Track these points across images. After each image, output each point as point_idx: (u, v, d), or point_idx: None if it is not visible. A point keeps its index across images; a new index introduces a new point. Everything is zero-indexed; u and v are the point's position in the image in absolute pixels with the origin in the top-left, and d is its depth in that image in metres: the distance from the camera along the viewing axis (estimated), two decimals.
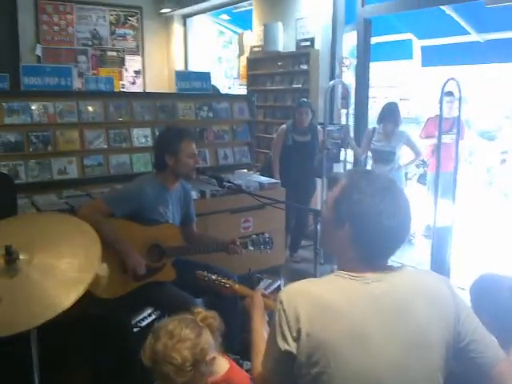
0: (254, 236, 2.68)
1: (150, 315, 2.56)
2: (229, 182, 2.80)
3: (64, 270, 1.53)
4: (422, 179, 4.98)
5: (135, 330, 2.47)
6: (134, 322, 2.48)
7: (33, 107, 3.32)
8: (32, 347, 1.68)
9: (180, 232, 2.69)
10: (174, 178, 2.67)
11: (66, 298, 1.44)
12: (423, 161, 4.93)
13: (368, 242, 1.16)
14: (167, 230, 2.62)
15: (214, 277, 1.98)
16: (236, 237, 2.73)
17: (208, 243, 2.73)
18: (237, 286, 1.88)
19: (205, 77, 4.22)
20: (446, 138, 4.33)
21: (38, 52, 6.28)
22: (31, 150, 3.29)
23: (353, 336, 1.09)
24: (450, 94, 4.45)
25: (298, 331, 1.10)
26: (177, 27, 7.65)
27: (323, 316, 1.10)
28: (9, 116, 3.23)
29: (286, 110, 6.01)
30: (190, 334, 1.55)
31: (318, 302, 1.12)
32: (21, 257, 1.52)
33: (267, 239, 2.66)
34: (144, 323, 2.52)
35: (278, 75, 6.20)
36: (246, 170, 4.26)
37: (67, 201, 3.14)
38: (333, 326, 1.09)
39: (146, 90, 6.81)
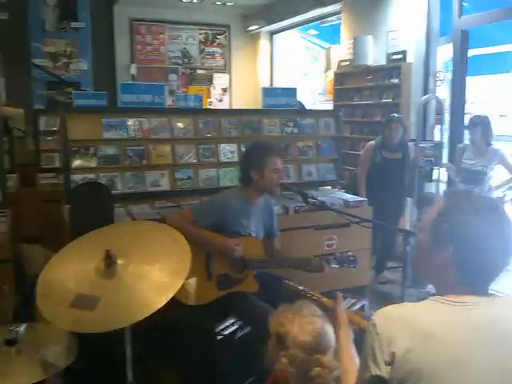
0: (339, 253, 2.74)
1: (232, 324, 2.69)
2: (313, 198, 2.91)
3: (156, 275, 1.72)
4: None
5: (218, 337, 2.62)
6: (217, 330, 2.64)
7: (129, 123, 3.69)
8: (126, 345, 1.90)
9: (262, 245, 2.82)
10: (259, 192, 2.82)
11: (157, 301, 1.62)
12: None
13: (474, 265, 1.15)
14: (250, 242, 2.77)
15: (301, 287, 1.98)
16: (319, 254, 2.82)
17: (291, 258, 2.84)
18: (325, 299, 1.86)
19: (291, 93, 4.40)
20: None
21: (133, 71, 6.87)
22: (127, 163, 3.66)
23: (451, 363, 1.08)
24: None
25: (392, 355, 1.11)
26: (263, 44, 7.98)
27: (419, 341, 1.09)
28: (107, 131, 3.62)
29: (374, 125, 6.01)
30: None
31: (416, 326, 1.12)
32: (118, 261, 1.73)
33: (351, 258, 2.70)
34: (226, 332, 2.66)
35: (367, 90, 6.22)
36: (330, 187, 4.34)
37: (159, 211, 3.44)
38: (430, 351, 1.08)
39: (233, 107, 7.16)
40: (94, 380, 2.46)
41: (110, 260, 1.70)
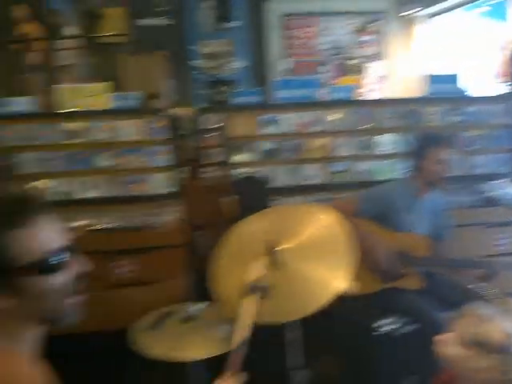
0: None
1: (392, 323, 2.64)
2: (484, 192, 2.73)
3: (326, 267, 1.72)
4: None
5: (374, 334, 2.61)
6: (376, 325, 2.62)
7: (284, 118, 3.81)
8: (291, 329, 1.98)
9: (427, 243, 2.72)
10: (425, 185, 2.73)
11: (326, 294, 1.63)
12: None
13: None
14: (414, 238, 2.70)
15: (484, 286, 1.89)
16: (490, 253, 2.63)
17: (461, 259, 2.68)
18: None
19: (454, 79, 4.15)
20: None
21: (286, 66, 7.06)
22: (283, 157, 3.80)
23: None
24: None
25: None
26: (420, 28, 7.60)
27: None
28: (263, 127, 3.79)
29: None
30: None
31: None
32: (280, 248, 1.75)
33: None
34: (384, 329, 2.62)
35: None
36: (503, 180, 3.99)
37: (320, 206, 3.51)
38: None
39: (388, 97, 6.97)
40: (259, 361, 2.62)
41: (274, 250, 1.74)
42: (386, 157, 3.92)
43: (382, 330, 2.63)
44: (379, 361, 2.64)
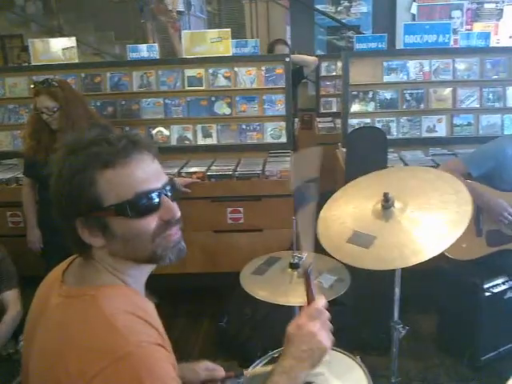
0: None
1: (504, 283, 2.54)
2: None
3: (433, 224, 1.65)
4: None
5: (487, 294, 2.50)
6: (486, 286, 2.51)
7: (410, 65, 3.55)
8: (395, 286, 1.93)
9: None
10: None
11: (431, 250, 1.56)
12: None
13: None
14: None
15: None
16: None
17: None
18: None
19: None
20: None
21: (413, 10, 6.53)
22: (404, 107, 3.57)
23: None
24: None
25: None
26: None
27: None
28: (387, 74, 3.56)
29: None
30: None
31: None
32: (396, 204, 1.72)
33: None
34: (496, 290, 2.53)
35: None
36: None
37: (433, 158, 3.30)
38: None
39: None
40: (362, 312, 2.62)
41: (387, 202, 1.71)
42: None
43: (491, 291, 2.51)
44: (486, 321, 2.52)
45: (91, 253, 0.99)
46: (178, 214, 1.00)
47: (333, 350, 1.67)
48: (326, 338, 1.07)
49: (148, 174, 0.96)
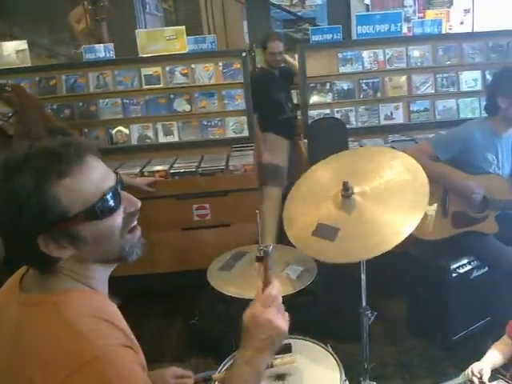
0: None
1: (469, 263, 2.59)
2: None
3: (394, 209, 1.66)
4: None
5: (454, 275, 2.54)
6: (452, 267, 2.55)
7: (364, 55, 3.59)
8: (361, 273, 1.95)
9: (508, 185, 2.55)
10: (507, 123, 2.51)
11: (394, 238, 1.57)
12: None
13: None
14: (494, 180, 2.53)
15: None
16: None
17: None
18: None
19: None
20: None
21: (367, 1, 6.60)
22: (361, 96, 3.60)
23: None
24: None
25: None
26: None
27: None
28: (343, 65, 3.59)
29: None
30: None
31: None
32: (355, 190, 1.71)
33: None
34: (463, 270, 2.57)
35: None
36: None
37: (392, 145, 3.33)
38: None
39: (476, 30, 6.35)
40: (333, 300, 2.64)
41: (347, 191, 1.70)
42: (471, 94, 3.61)
43: (458, 271, 2.55)
44: (453, 301, 2.57)
45: (56, 265, 0.95)
46: (139, 203, 1.00)
47: (304, 339, 1.68)
48: (282, 322, 1.08)
49: (103, 173, 0.95)
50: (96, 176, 0.93)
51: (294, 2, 6.47)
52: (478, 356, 1.83)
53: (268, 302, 1.10)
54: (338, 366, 1.47)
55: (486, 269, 2.57)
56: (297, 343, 1.61)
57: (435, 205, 2.49)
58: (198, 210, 3.08)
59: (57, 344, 0.85)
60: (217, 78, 3.49)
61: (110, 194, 0.94)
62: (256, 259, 1.86)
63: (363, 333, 1.97)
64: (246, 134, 3.53)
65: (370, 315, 1.95)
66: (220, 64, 3.47)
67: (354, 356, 2.19)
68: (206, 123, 3.51)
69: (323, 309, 2.65)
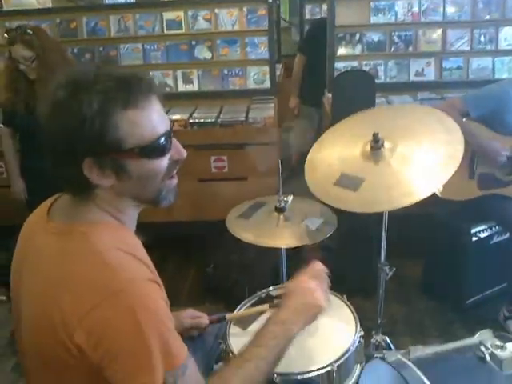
0: None
1: (490, 228, 2.55)
2: None
3: (423, 164, 1.60)
4: None
5: (474, 239, 2.52)
6: (473, 231, 2.52)
7: (398, 5, 3.40)
8: (382, 229, 1.91)
9: None
10: None
11: (421, 191, 1.51)
12: None
13: None
14: None
15: None
16: None
17: None
18: None
19: None
20: None
21: None
22: (392, 49, 3.45)
23: None
24: None
25: None
26: None
27: None
28: (375, 15, 3.43)
29: None
30: None
31: None
32: (385, 145, 1.65)
33: None
34: (483, 235, 2.54)
35: None
36: None
37: (421, 103, 3.23)
38: None
39: None
40: (348, 255, 2.62)
41: (376, 143, 1.64)
42: (510, 53, 3.44)
43: (478, 235, 2.53)
44: (472, 265, 2.55)
45: (92, 192, 0.96)
46: (185, 153, 1.02)
47: None
48: (323, 297, 1.13)
49: (162, 115, 0.97)
50: (155, 117, 0.94)
51: None
52: (490, 321, 1.81)
53: (315, 275, 1.18)
54: (354, 317, 1.45)
55: (507, 235, 2.54)
56: None
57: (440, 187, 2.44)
58: (216, 162, 3.05)
59: (86, 273, 0.87)
60: (240, 24, 3.37)
61: (164, 137, 0.95)
62: (275, 209, 1.83)
63: (379, 289, 1.96)
64: (267, 85, 3.43)
65: (388, 271, 1.92)
66: (244, 9, 3.34)
67: (365, 311, 2.17)
68: (226, 72, 3.42)
69: (339, 262, 2.63)
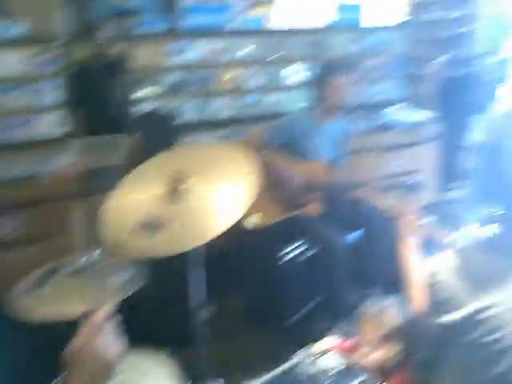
0: (403, 180, 2.63)
1: (298, 247, 2.68)
2: (379, 117, 2.73)
3: (222, 198, 1.63)
4: None
5: (285, 260, 2.61)
6: (283, 252, 2.62)
7: (193, 47, 3.48)
8: (193, 269, 1.86)
9: (330, 169, 2.76)
10: (326, 112, 2.72)
11: (222, 224, 1.53)
12: None
13: None
14: (318, 166, 2.72)
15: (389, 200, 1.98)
16: (385, 175, 2.88)
17: (355, 182, 2.69)
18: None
19: (356, 9, 4.01)
20: None
21: None
22: (192, 89, 3.52)
23: None
24: None
25: None
26: None
27: None
28: (171, 56, 3.46)
29: (442, 42, 5.47)
30: None
31: None
32: (185, 183, 1.63)
33: (413, 184, 2.65)
34: (293, 254, 2.65)
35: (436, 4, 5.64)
36: (399, 105, 4.06)
37: (223, 139, 3.38)
38: None
39: (296, 27, 6.72)
40: (163, 305, 2.52)
41: (176, 183, 1.62)
42: (294, 87, 3.79)
43: (287, 256, 2.62)
44: (286, 285, 2.64)
45: None
46: None
47: (134, 352, 1.54)
48: (112, 350, 0.96)
49: None
50: None
51: None
52: (314, 335, 1.88)
53: (94, 329, 0.96)
54: (174, 372, 1.36)
55: (315, 250, 2.68)
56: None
57: (254, 216, 2.55)
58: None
59: None
60: (27, 67, 3.06)
61: None
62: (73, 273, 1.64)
63: (198, 333, 1.90)
64: (59, 132, 3.16)
65: (207, 311, 1.89)
66: (30, 53, 3.06)
67: (193, 358, 2.11)
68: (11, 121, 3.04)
69: (155, 312, 2.51)
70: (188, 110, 3.53)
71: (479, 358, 1.01)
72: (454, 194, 4.43)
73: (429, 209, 3.36)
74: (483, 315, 1.01)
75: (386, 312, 1.58)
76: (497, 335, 0.99)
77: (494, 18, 4.27)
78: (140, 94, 3.40)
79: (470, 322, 1.02)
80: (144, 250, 1.51)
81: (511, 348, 0.98)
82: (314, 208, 2.68)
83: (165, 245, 1.51)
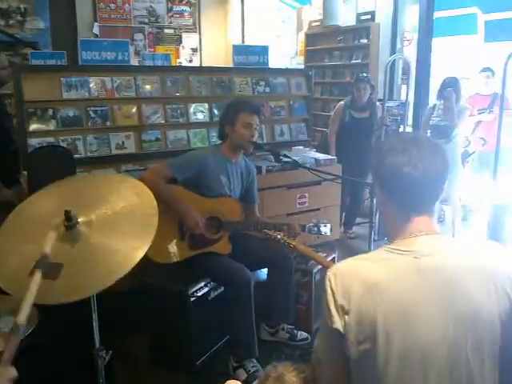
0: (312, 224, 2.65)
1: (206, 285, 2.64)
2: (285, 156, 2.78)
3: (123, 233, 1.52)
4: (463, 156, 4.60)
5: (192, 299, 2.54)
6: (190, 291, 2.54)
7: (91, 82, 3.40)
8: (92, 311, 1.74)
9: (240, 207, 2.73)
10: (234, 149, 2.73)
11: (124, 266, 1.42)
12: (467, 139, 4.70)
13: (399, 194, 1.18)
14: (227, 203, 2.69)
15: (279, 236, 2.26)
16: (292, 212, 2.73)
17: (267, 222, 2.76)
18: (302, 246, 2.11)
19: (262, 51, 4.17)
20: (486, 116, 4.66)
21: (95, 30, 6.43)
22: (90, 124, 3.39)
23: (400, 313, 1.09)
24: (488, 69, 4.70)
25: (345, 310, 1.12)
26: (234, 3, 7.61)
27: (370, 294, 1.10)
28: (67, 91, 3.32)
29: (344, 86, 5.91)
30: None
31: (365, 280, 1.12)
32: (80, 220, 1.49)
33: (325, 225, 2.65)
34: (201, 293, 2.60)
35: (337, 50, 6.11)
36: (302, 147, 4.23)
37: (125, 175, 3.22)
38: (379, 303, 1.09)
39: (201, 65, 6.82)
40: (58, 350, 2.31)
41: (70, 221, 1.46)
42: (199, 125, 3.79)
43: (196, 295, 2.56)
44: (194, 325, 2.55)
45: None
46: None
47: None
48: None
49: None
50: None
51: (10, 23, 5.83)
52: (223, 375, 1.82)
53: None
54: None
55: (222, 289, 2.65)
56: None
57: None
58: None
59: None
60: None
61: None
62: None
63: (99, 377, 1.76)
64: None
65: (104, 355, 1.75)
66: None
67: None
68: None
69: (50, 361, 2.29)
70: (89, 144, 3.37)
71: None
72: (358, 230, 4.68)
73: (332, 245, 3.54)
74: None
75: (287, 376, 1.50)
76: None
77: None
78: (35, 127, 3.21)
79: None
80: (43, 296, 1.36)
81: None
82: (223, 246, 2.64)
83: (64, 291, 1.40)
